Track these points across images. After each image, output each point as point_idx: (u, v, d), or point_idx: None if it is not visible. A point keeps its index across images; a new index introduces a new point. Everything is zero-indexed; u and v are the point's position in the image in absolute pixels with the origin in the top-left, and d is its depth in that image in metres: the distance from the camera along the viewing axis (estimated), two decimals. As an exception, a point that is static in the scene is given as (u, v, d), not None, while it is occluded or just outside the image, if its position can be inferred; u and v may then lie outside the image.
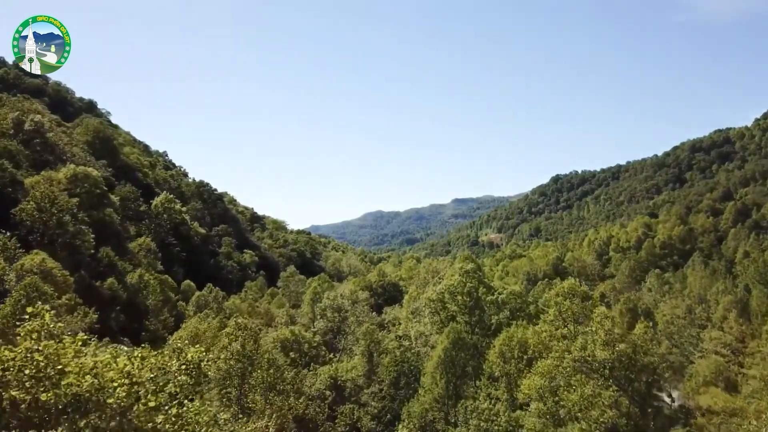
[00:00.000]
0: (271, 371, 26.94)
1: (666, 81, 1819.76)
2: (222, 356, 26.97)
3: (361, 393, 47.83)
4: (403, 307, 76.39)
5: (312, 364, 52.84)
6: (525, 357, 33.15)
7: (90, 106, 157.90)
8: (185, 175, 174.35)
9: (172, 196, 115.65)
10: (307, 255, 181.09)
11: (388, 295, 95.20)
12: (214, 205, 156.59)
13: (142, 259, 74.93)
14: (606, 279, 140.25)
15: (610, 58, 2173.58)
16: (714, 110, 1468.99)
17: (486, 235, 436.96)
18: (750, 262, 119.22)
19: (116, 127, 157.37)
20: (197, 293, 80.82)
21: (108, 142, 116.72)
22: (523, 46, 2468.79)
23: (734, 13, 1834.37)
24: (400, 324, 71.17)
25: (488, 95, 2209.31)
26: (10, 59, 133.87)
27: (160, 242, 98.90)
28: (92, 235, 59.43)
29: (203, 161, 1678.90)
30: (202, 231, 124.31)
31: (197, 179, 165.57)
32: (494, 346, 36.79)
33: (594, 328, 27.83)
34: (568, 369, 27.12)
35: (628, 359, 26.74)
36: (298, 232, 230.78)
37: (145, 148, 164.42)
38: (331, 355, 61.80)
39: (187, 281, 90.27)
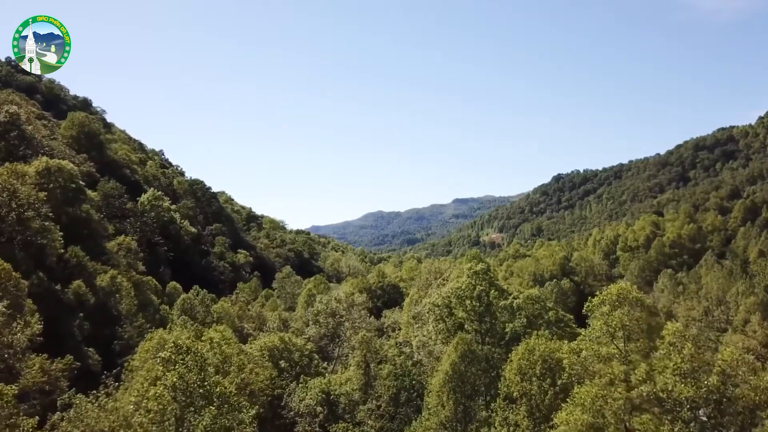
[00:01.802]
0: (224, 409, 20.84)
1: (668, 79, 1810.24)
2: (152, 391, 20.92)
3: (357, 410, 42.87)
4: (403, 311, 71.39)
5: (302, 375, 47.53)
6: (559, 382, 27.16)
7: (84, 104, 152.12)
8: (181, 174, 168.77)
9: (160, 193, 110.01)
10: (305, 255, 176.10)
11: (388, 297, 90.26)
12: (208, 203, 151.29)
13: (121, 259, 69.41)
14: (614, 279, 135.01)
15: (611, 56, 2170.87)
16: (717, 109, 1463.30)
17: (487, 235, 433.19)
18: (767, 261, 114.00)
19: (111, 125, 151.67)
20: (183, 296, 75.11)
21: (94, 137, 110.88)
22: (524, 45, 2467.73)
23: (735, 11, 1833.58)
24: (400, 329, 66.18)
25: (489, 95, 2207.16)
26: (2, 56, 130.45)
27: (147, 242, 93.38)
28: (61, 233, 53.95)
29: (205, 163, 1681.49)
30: (193, 230, 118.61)
31: (192, 177, 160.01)
32: (512, 361, 31.20)
33: (665, 351, 21.65)
34: (619, 401, 21.06)
35: (719, 395, 20.42)
36: (297, 232, 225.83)
37: (140, 146, 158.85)
38: (325, 365, 56.60)
39: (173, 283, 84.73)
